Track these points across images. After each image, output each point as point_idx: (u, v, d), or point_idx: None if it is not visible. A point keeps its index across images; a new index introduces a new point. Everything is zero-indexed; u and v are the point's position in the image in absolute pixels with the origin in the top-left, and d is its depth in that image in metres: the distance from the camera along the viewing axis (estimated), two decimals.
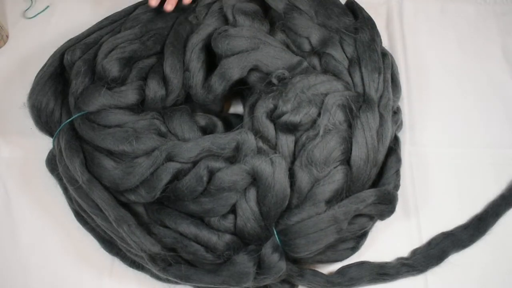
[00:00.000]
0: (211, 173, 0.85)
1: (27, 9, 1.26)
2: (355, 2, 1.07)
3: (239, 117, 1.03)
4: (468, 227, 0.95)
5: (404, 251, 0.95)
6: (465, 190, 1.00)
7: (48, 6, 1.28)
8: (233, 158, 0.86)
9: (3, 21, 1.23)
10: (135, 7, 1.05)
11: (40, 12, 1.26)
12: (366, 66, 0.95)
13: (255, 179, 0.84)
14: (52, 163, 0.98)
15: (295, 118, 0.89)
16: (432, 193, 1.00)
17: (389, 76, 0.99)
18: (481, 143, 1.05)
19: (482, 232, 0.95)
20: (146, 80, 0.96)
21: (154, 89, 0.95)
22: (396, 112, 1.01)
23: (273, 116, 0.91)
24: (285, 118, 0.89)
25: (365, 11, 1.05)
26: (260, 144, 0.87)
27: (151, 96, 0.95)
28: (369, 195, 0.87)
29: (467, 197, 0.99)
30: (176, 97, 0.99)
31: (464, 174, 1.02)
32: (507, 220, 0.96)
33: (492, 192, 0.99)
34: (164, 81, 0.96)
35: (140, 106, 0.96)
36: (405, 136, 1.04)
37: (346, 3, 1.08)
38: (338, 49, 0.99)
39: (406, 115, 1.06)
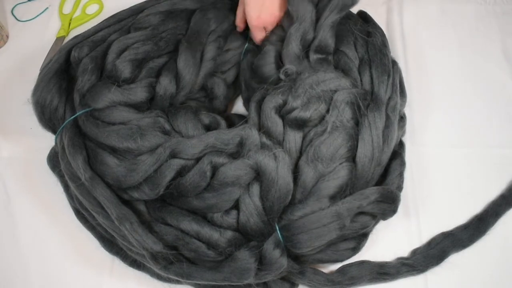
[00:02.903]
0: (215, 168, 0.85)
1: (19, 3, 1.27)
2: (367, 13, 1.08)
3: (242, 117, 1.03)
4: (468, 227, 0.95)
5: (404, 251, 0.95)
6: (465, 190, 1.00)
7: (47, 8, 1.28)
8: (237, 153, 0.86)
9: (3, 21, 1.23)
10: (142, 7, 1.05)
11: (40, 14, 1.27)
12: (376, 67, 0.96)
13: (258, 174, 0.85)
14: (54, 160, 0.99)
15: (305, 114, 0.89)
16: (432, 193, 1.00)
17: (397, 81, 1.00)
18: (481, 143, 1.05)
19: (482, 232, 0.95)
20: (158, 78, 0.96)
21: (165, 86, 0.95)
22: (403, 117, 1.01)
23: (282, 111, 0.91)
24: (295, 114, 0.89)
25: (376, 22, 1.06)
26: (264, 139, 0.87)
27: (161, 94, 0.95)
28: (372, 192, 0.87)
29: (467, 197, 0.99)
30: (188, 93, 0.99)
31: (464, 174, 1.02)
32: (507, 220, 0.96)
33: (492, 192, 0.99)
34: (176, 77, 0.97)
35: (147, 104, 0.96)
36: (405, 136, 1.04)
37: (358, 14, 1.09)
38: (351, 48, 1.00)
39: (406, 115, 1.05)
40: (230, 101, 1.11)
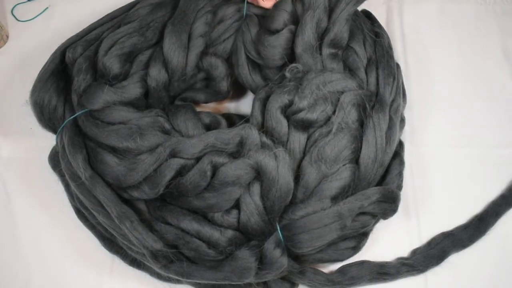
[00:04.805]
0: (215, 168, 0.85)
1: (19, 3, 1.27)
2: (372, 13, 1.09)
3: (242, 117, 1.03)
4: (468, 227, 0.95)
5: (404, 251, 0.95)
6: (465, 190, 1.01)
7: (47, 7, 1.28)
8: (237, 153, 0.87)
9: (3, 21, 1.23)
10: (135, 3, 1.05)
11: (40, 13, 1.27)
12: (383, 69, 0.97)
13: (259, 174, 0.85)
14: (55, 159, 0.99)
15: (312, 115, 0.89)
16: (432, 193, 1.01)
17: (401, 84, 1.01)
18: (481, 143, 1.05)
19: (482, 232, 0.95)
20: (148, 70, 0.95)
21: (156, 77, 0.95)
22: (403, 119, 1.02)
23: (288, 112, 0.91)
24: (301, 115, 0.90)
25: (380, 24, 1.07)
26: (264, 138, 0.87)
27: (153, 86, 0.95)
28: (373, 192, 0.87)
29: (467, 197, 1.00)
30: (181, 76, 0.98)
31: (464, 174, 1.02)
32: (507, 220, 0.97)
33: (492, 192, 1.00)
34: (165, 64, 0.96)
35: (144, 100, 0.96)
36: (405, 136, 1.04)
37: (363, 13, 1.09)
38: (361, 46, 1.00)
39: (406, 115, 1.05)
40: (232, 81, 1.08)
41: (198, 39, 0.99)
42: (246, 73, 1.04)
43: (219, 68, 1.02)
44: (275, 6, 1.01)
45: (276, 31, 0.99)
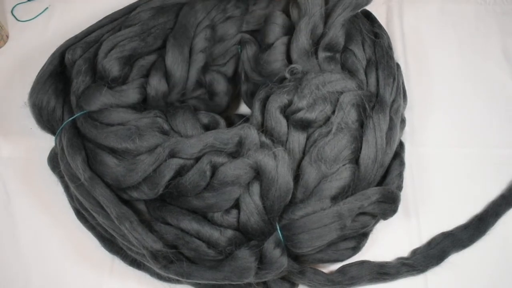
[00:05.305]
0: (214, 168, 0.85)
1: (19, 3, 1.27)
2: (372, 13, 1.09)
3: (242, 117, 1.03)
4: (468, 227, 0.95)
5: (404, 251, 0.95)
6: (465, 190, 1.01)
7: (47, 7, 1.28)
8: (236, 153, 0.87)
9: (3, 21, 1.23)
10: (136, 5, 1.05)
11: (40, 13, 1.27)
12: (383, 70, 0.97)
13: (258, 173, 0.85)
14: (54, 161, 0.99)
15: (311, 115, 0.90)
16: (432, 193, 1.01)
17: (401, 84, 1.01)
18: (481, 143, 1.05)
19: (482, 232, 0.95)
20: (148, 78, 0.96)
21: (155, 86, 0.95)
22: (403, 120, 1.02)
23: (287, 111, 0.91)
24: (300, 114, 0.90)
25: (380, 23, 1.07)
26: (263, 138, 0.87)
27: (153, 94, 0.95)
28: (373, 192, 0.87)
29: (467, 197, 1.00)
30: (181, 90, 0.99)
31: (464, 174, 1.02)
32: (507, 220, 0.97)
33: (492, 192, 1.00)
34: (166, 76, 0.97)
35: (142, 105, 0.96)
36: (405, 137, 1.04)
37: (363, 13, 1.09)
38: (360, 47, 1.00)
39: (406, 115, 1.05)
40: (233, 98, 1.10)
41: (198, 55, 1.00)
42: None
43: (221, 85, 1.04)
44: (266, 21, 1.02)
45: (270, 46, 1.00)
